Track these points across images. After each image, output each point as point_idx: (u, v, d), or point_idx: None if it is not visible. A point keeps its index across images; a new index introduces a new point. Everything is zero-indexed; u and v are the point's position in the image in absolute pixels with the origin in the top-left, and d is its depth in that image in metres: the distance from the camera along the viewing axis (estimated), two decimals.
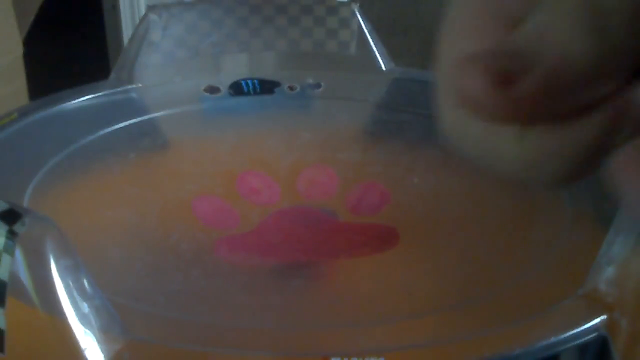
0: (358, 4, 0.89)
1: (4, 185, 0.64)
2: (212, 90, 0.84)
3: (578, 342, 0.44)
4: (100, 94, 0.82)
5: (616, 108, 0.24)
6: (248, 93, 0.84)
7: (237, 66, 0.90)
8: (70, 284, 0.41)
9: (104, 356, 0.42)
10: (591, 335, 0.44)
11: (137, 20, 1.26)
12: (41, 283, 0.41)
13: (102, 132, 0.75)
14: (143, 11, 1.07)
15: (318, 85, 0.86)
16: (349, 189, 0.71)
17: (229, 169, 0.73)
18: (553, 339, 0.44)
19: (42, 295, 0.41)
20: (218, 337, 0.47)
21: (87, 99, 0.81)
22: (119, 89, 0.83)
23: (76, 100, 0.80)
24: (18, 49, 1.30)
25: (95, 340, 0.42)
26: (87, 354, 0.41)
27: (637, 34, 0.23)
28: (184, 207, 0.67)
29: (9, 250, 0.40)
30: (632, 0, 0.23)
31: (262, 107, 0.83)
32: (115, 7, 1.54)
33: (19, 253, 0.40)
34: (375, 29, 0.90)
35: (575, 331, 0.44)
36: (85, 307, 0.42)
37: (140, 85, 0.84)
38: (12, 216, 0.41)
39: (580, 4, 0.23)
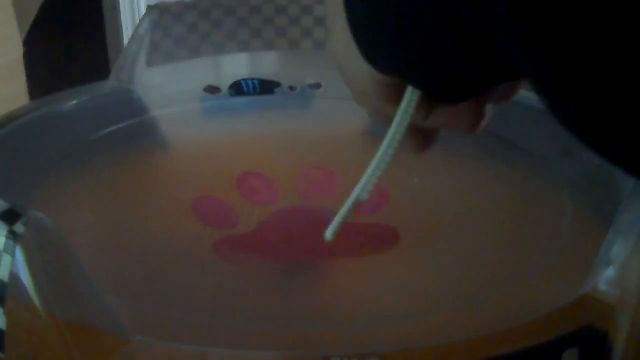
0: None
1: (4, 185, 0.64)
2: (212, 90, 0.84)
3: (578, 342, 0.44)
4: (100, 94, 0.82)
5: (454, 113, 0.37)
6: (248, 93, 0.84)
7: (237, 66, 0.90)
8: (70, 283, 0.41)
9: (105, 356, 0.42)
10: (591, 336, 0.44)
11: (137, 20, 1.26)
12: (41, 283, 0.41)
13: (102, 132, 0.75)
14: (143, 11, 1.07)
15: (318, 85, 0.85)
16: (349, 189, 0.71)
17: (229, 169, 0.73)
18: (553, 339, 0.44)
19: (42, 295, 0.41)
20: (218, 337, 0.47)
21: (87, 99, 0.81)
22: (119, 89, 0.83)
23: (76, 100, 0.80)
24: (18, 49, 1.30)
25: (95, 340, 0.42)
26: (87, 354, 0.41)
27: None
28: (184, 207, 0.67)
29: (9, 250, 0.40)
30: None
31: (262, 107, 0.83)
32: (115, 7, 1.53)
33: (19, 253, 0.40)
34: None
35: (575, 331, 0.44)
36: (85, 307, 0.42)
37: (140, 85, 0.84)
38: (12, 216, 0.41)
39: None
